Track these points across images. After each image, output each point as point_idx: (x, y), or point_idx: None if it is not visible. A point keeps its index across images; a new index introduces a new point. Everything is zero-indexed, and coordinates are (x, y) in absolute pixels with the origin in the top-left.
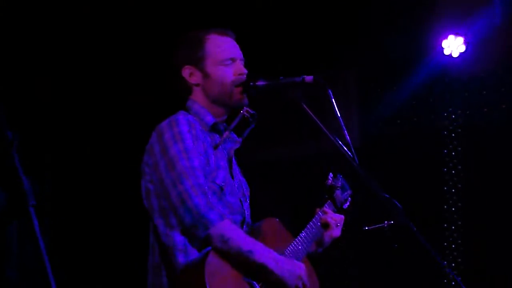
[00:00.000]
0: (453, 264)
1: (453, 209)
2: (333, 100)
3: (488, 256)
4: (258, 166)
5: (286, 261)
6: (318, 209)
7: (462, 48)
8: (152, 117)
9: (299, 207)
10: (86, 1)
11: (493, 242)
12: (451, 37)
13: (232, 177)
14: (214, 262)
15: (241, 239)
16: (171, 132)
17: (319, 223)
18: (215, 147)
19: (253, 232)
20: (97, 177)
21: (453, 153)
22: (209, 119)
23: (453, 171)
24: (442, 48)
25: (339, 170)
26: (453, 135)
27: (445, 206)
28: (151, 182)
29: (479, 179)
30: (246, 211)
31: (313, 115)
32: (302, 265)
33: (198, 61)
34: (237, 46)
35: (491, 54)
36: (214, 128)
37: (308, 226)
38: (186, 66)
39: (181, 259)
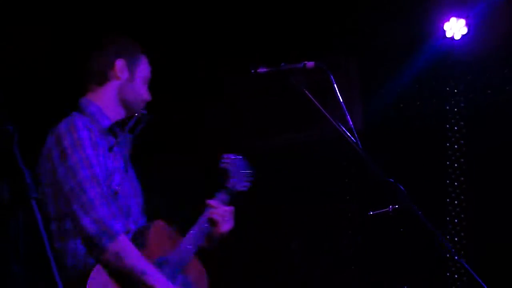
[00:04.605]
0: (458, 246)
1: (457, 191)
2: (335, 85)
3: (492, 237)
4: (262, 154)
5: None
6: (208, 202)
7: (464, 31)
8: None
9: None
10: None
11: (497, 223)
12: (453, 19)
13: (127, 177)
14: (98, 279)
15: (136, 259)
16: (71, 138)
17: (207, 219)
18: (110, 149)
19: (139, 234)
20: None
21: (457, 136)
22: (106, 122)
23: (457, 154)
24: (444, 31)
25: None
26: (457, 117)
27: (449, 189)
28: (48, 186)
29: (483, 161)
30: (138, 213)
31: (315, 101)
32: None
33: (132, 63)
34: None
35: (494, 36)
36: (110, 130)
37: (197, 222)
38: (122, 60)
39: (70, 263)
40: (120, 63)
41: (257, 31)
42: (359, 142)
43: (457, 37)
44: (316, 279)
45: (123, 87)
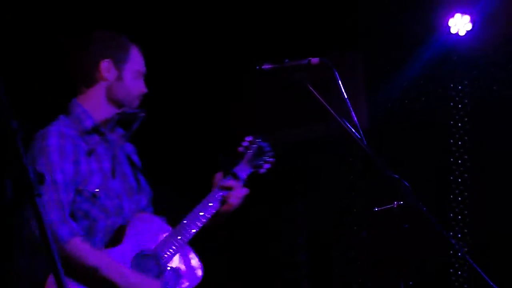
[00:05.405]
0: (461, 241)
1: (462, 188)
2: (339, 81)
3: (496, 233)
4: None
5: (135, 276)
6: (219, 182)
7: (469, 26)
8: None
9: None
10: None
11: (501, 219)
12: (457, 15)
13: (114, 176)
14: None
15: (88, 257)
16: (39, 145)
17: (219, 198)
18: (89, 153)
19: (116, 231)
20: None
21: (462, 132)
22: (88, 123)
23: (462, 150)
24: (449, 27)
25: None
26: (462, 113)
27: (453, 185)
28: None
29: (488, 157)
30: (126, 210)
31: (320, 97)
32: (156, 282)
33: (119, 61)
34: None
35: (498, 31)
36: (93, 130)
37: (203, 201)
38: (107, 60)
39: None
40: (105, 64)
41: (261, 27)
42: (364, 138)
43: (462, 33)
44: (321, 275)
45: (112, 86)
